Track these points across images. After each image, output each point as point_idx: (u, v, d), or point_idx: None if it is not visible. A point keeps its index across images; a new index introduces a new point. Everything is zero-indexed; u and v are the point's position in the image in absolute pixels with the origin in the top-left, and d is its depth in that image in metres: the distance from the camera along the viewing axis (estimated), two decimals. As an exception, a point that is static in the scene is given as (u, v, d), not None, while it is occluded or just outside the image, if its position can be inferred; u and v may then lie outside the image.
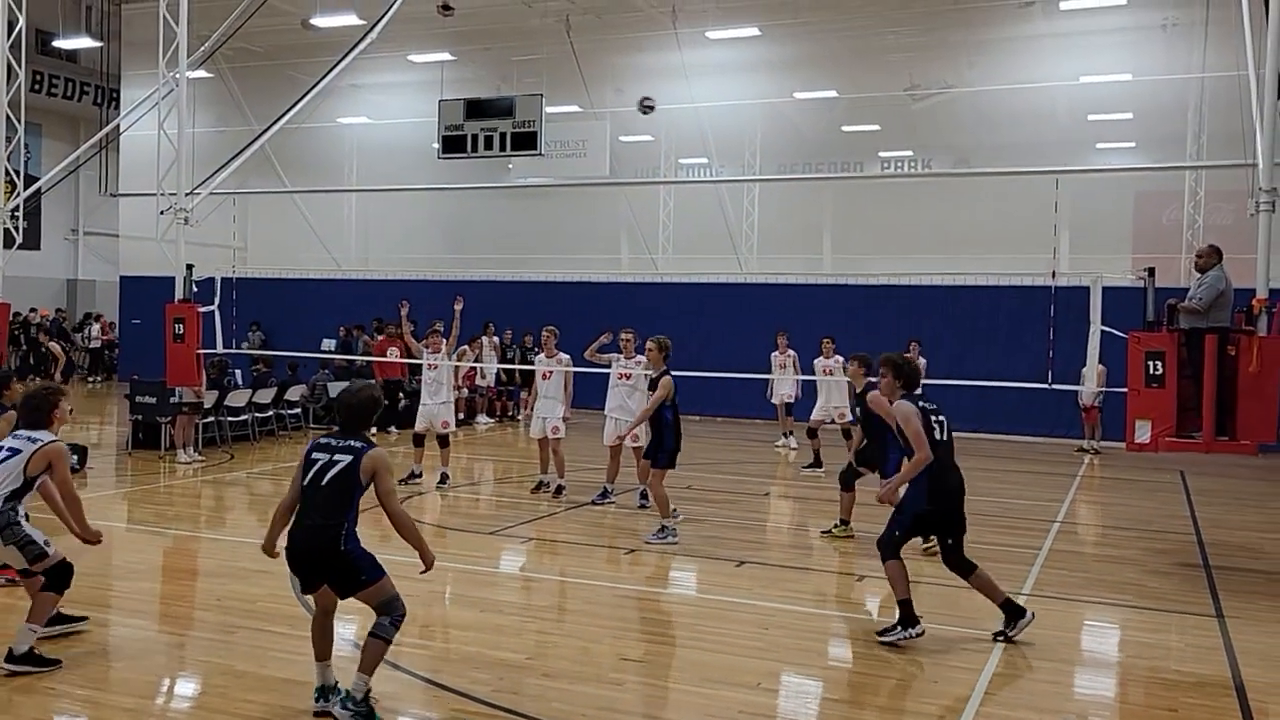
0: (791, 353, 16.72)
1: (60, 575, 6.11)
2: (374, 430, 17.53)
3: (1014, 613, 6.91)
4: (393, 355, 17.90)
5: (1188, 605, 8.03)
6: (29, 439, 6.14)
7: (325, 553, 5.37)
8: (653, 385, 10.06)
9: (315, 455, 5.49)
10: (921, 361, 15.15)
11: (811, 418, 14.93)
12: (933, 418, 6.84)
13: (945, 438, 6.89)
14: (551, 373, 12.01)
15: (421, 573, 5.57)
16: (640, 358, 11.62)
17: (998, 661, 6.50)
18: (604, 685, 5.99)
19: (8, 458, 6.09)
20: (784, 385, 16.77)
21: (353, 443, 5.47)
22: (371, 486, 5.42)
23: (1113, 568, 9.27)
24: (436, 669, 6.19)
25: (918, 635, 6.72)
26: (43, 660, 5.97)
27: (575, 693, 5.83)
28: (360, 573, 5.43)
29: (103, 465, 13.70)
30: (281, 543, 5.59)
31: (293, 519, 5.51)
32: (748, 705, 5.70)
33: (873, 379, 8.74)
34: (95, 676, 5.99)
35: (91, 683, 5.89)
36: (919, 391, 7.04)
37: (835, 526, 10.03)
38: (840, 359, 15.31)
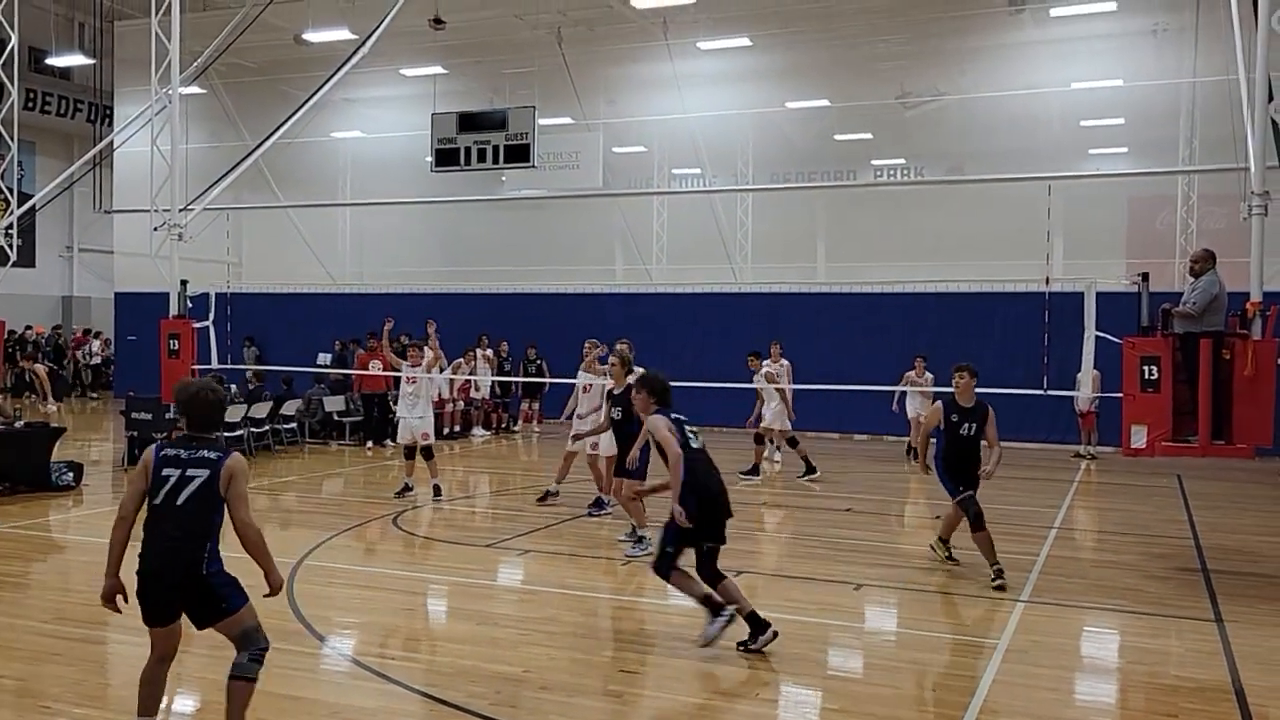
0: (785, 362, 16.41)
1: None
2: (369, 445, 17.63)
3: (758, 626, 6.78)
4: (374, 368, 17.88)
5: (1186, 610, 8.02)
6: None
7: (184, 577, 4.76)
8: (619, 401, 9.84)
9: (165, 471, 4.78)
10: (784, 364, 15.26)
11: (776, 427, 14.73)
12: (686, 428, 7.02)
13: (700, 447, 7.04)
14: (590, 386, 11.97)
15: (265, 595, 4.96)
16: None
17: (997, 669, 6.48)
18: (602, 698, 5.96)
19: None
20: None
21: (206, 453, 4.80)
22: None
23: (1111, 573, 9.26)
24: (432, 682, 6.16)
25: (728, 622, 6.68)
26: None
27: (573, 705, 5.80)
28: (221, 600, 4.82)
29: (99, 482, 13.66)
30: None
31: (144, 540, 4.79)
32: (747, 716, 5.67)
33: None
34: (92, 694, 5.96)
35: (89, 700, 5.86)
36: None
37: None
38: (786, 363, 15.38)
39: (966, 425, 9.06)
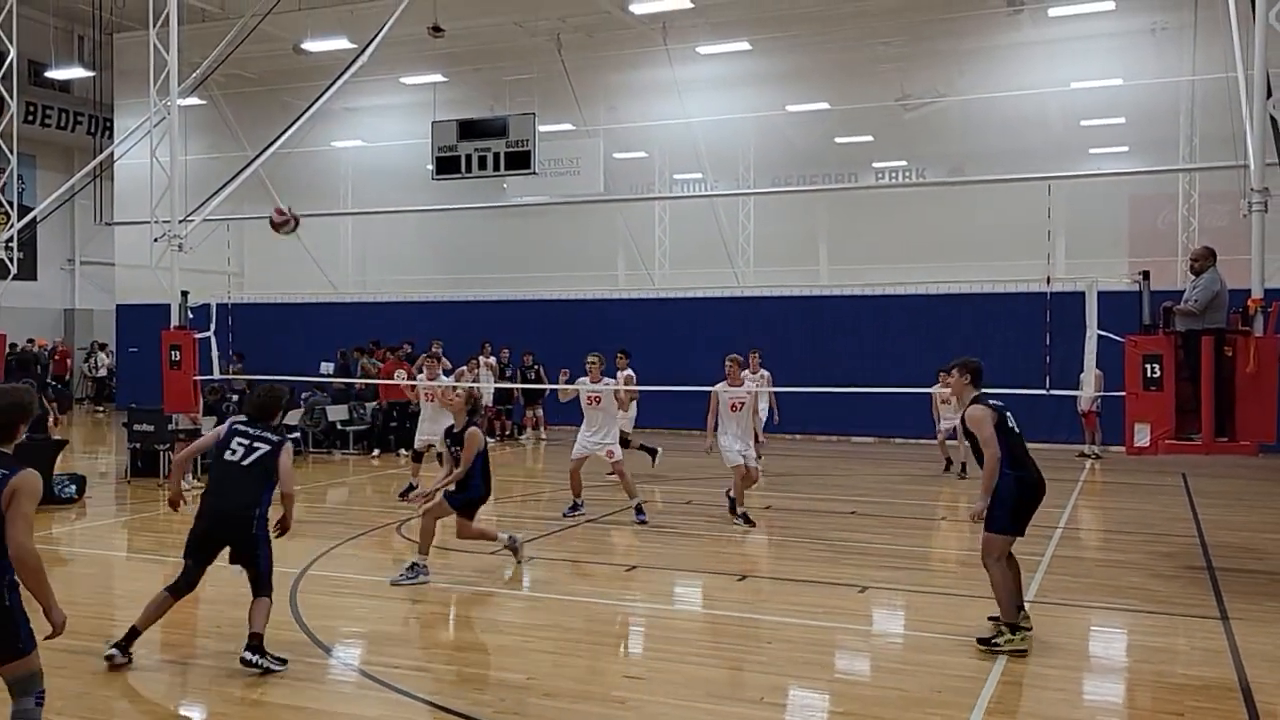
0: (764, 372, 15.63)
1: None
2: (375, 454, 17.65)
3: None
4: (399, 378, 17.91)
5: (1192, 608, 7.99)
6: None
7: None
8: (457, 440, 8.90)
9: None
10: (764, 374, 14.96)
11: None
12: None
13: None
14: (599, 397, 11.96)
15: (46, 637, 4.40)
16: (610, 380, 12.11)
17: (1002, 670, 6.46)
18: (607, 704, 5.95)
19: None
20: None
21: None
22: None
23: (1116, 572, 9.24)
24: (438, 690, 6.16)
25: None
26: None
27: (578, 712, 5.79)
28: (19, 640, 4.34)
29: (102, 494, 13.66)
30: None
31: None
32: (752, 720, 5.66)
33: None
34: (97, 707, 5.95)
35: (94, 713, 5.86)
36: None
37: None
38: (765, 374, 15.15)
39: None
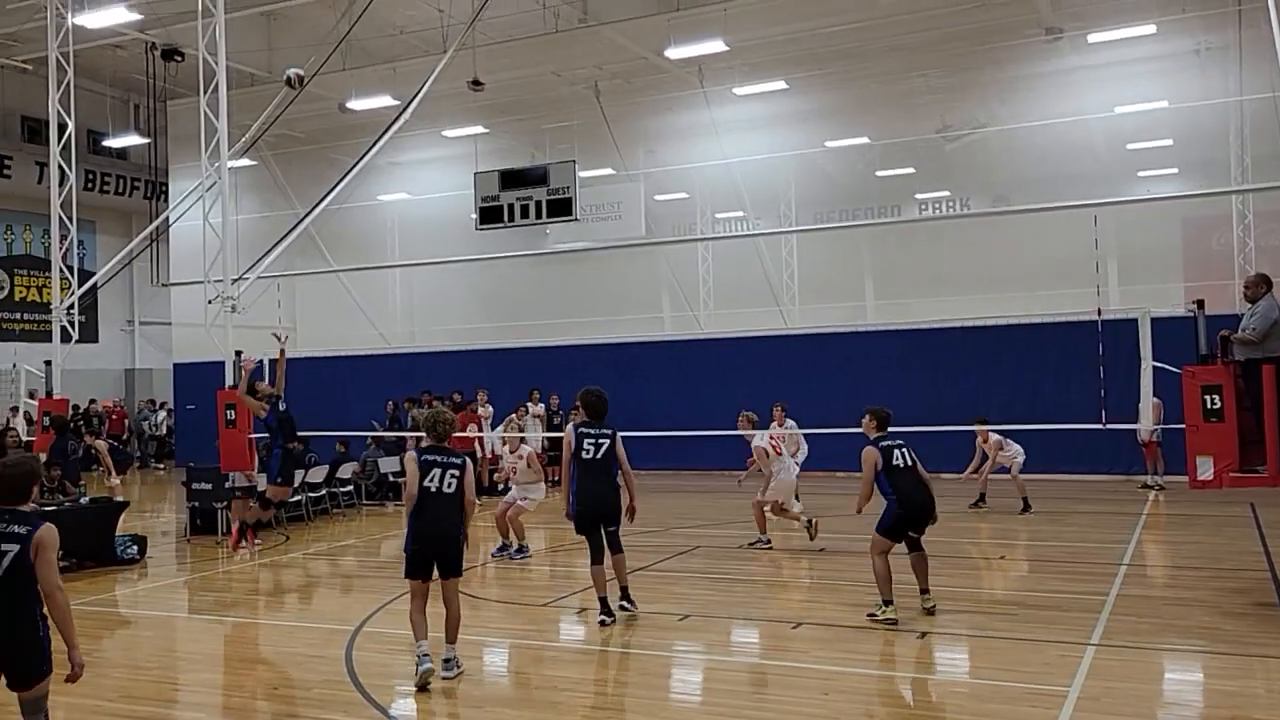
0: (791, 423, 14.98)
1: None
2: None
3: None
4: (471, 430, 18.06)
5: (1267, 648, 7.71)
6: None
7: (17, 644, 4.99)
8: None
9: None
10: (791, 424, 14.58)
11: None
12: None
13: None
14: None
15: (66, 679, 5.02)
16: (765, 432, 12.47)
17: (1069, 718, 6.27)
18: (663, 762, 5.86)
19: None
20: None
21: (16, 528, 4.99)
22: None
23: (1186, 611, 8.96)
24: (493, 752, 6.11)
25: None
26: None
27: (634, 772, 5.71)
28: (44, 664, 5.05)
29: (162, 553, 13.87)
30: None
31: None
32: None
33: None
34: (155, 775, 5.99)
35: (152, 781, 5.89)
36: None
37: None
38: (792, 424, 14.84)
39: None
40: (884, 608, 8.70)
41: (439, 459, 7.36)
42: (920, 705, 6.92)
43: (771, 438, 12.60)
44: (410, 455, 7.53)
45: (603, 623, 8.80)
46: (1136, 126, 20.65)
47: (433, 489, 7.27)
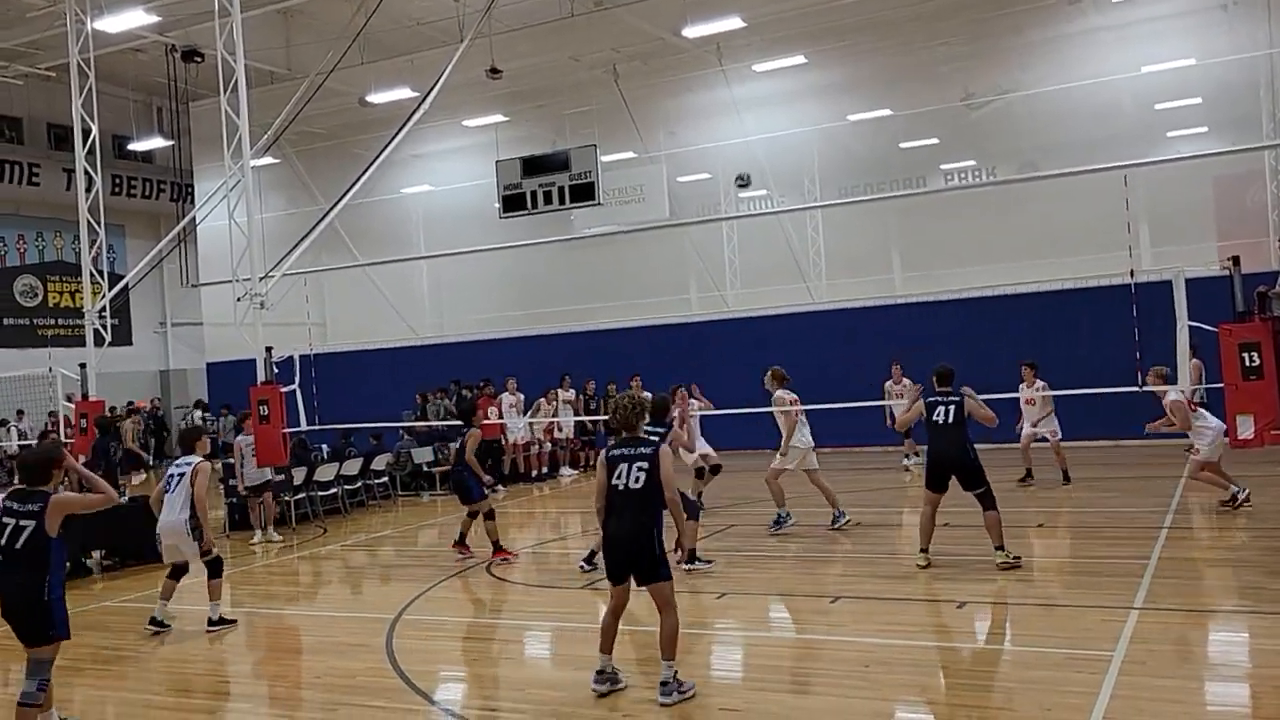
0: (907, 380, 15.61)
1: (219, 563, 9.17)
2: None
3: None
4: (491, 415, 18.11)
5: (1315, 606, 7.60)
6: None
7: (28, 605, 5.94)
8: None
9: (3, 519, 6.03)
10: (907, 382, 14.59)
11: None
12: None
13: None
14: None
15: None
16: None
17: (1114, 683, 6.20)
18: (706, 738, 5.87)
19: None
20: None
21: (32, 506, 5.98)
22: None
23: (1229, 571, 8.85)
24: (536, 733, 6.14)
25: None
26: (225, 621, 9.07)
27: (677, 748, 5.71)
28: (52, 626, 5.97)
29: (203, 549, 14.01)
30: None
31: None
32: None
33: None
34: (204, 764, 6.07)
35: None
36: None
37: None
38: (908, 381, 14.87)
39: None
40: (919, 554, 9.63)
41: (626, 451, 6.52)
42: (962, 674, 6.87)
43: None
44: (600, 457, 6.73)
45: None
46: (1164, 86, 20.25)
47: (620, 486, 6.45)
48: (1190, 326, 10.14)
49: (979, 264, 20.25)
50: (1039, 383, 14.32)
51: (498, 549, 11.49)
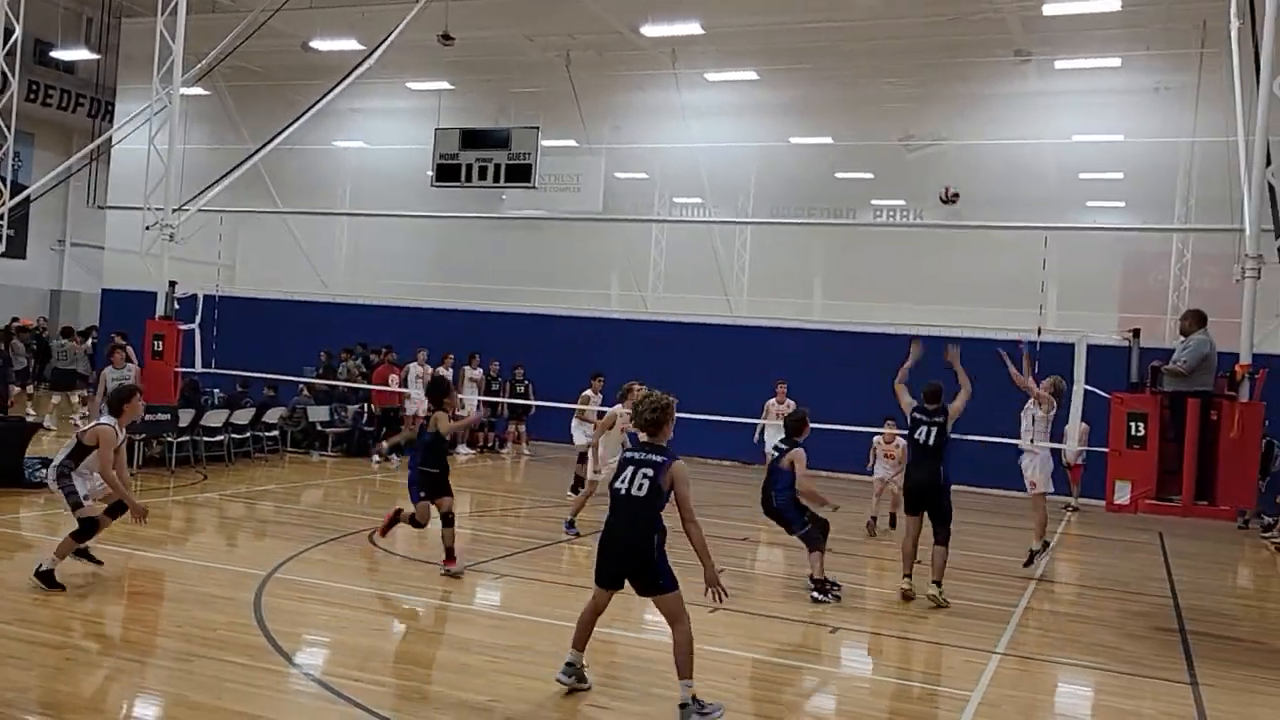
0: (790, 402, 15.79)
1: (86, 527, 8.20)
2: (376, 461, 17.49)
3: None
4: (391, 383, 17.81)
5: (1161, 670, 7.94)
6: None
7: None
8: None
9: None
10: (790, 403, 14.88)
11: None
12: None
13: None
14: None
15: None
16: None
17: (969, 723, 6.39)
18: (567, 732, 5.85)
19: None
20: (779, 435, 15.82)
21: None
22: None
23: (1088, 629, 9.18)
24: (397, 707, 6.05)
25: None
26: (53, 583, 7.97)
27: (537, 739, 5.69)
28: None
29: (74, 480, 13.46)
30: None
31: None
32: (713, 759, 5.56)
33: None
34: (48, 701, 5.82)
35: (44, 708, 5.72)
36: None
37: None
38: (792, 403, 15.09)
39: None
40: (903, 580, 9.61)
41: (638, 456, 6.16)
42: (824, 696, 7.00)
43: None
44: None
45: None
46: (1090, 157, 21.02)
47: (621, 490, 6.10)
48: (1085, 390, 10.52)
49: (895, 301, 20.68)
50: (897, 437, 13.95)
51: (450, 558, 9.72)
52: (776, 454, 9.85)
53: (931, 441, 9.69)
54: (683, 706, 5.84)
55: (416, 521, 9.71)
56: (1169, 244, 20.40)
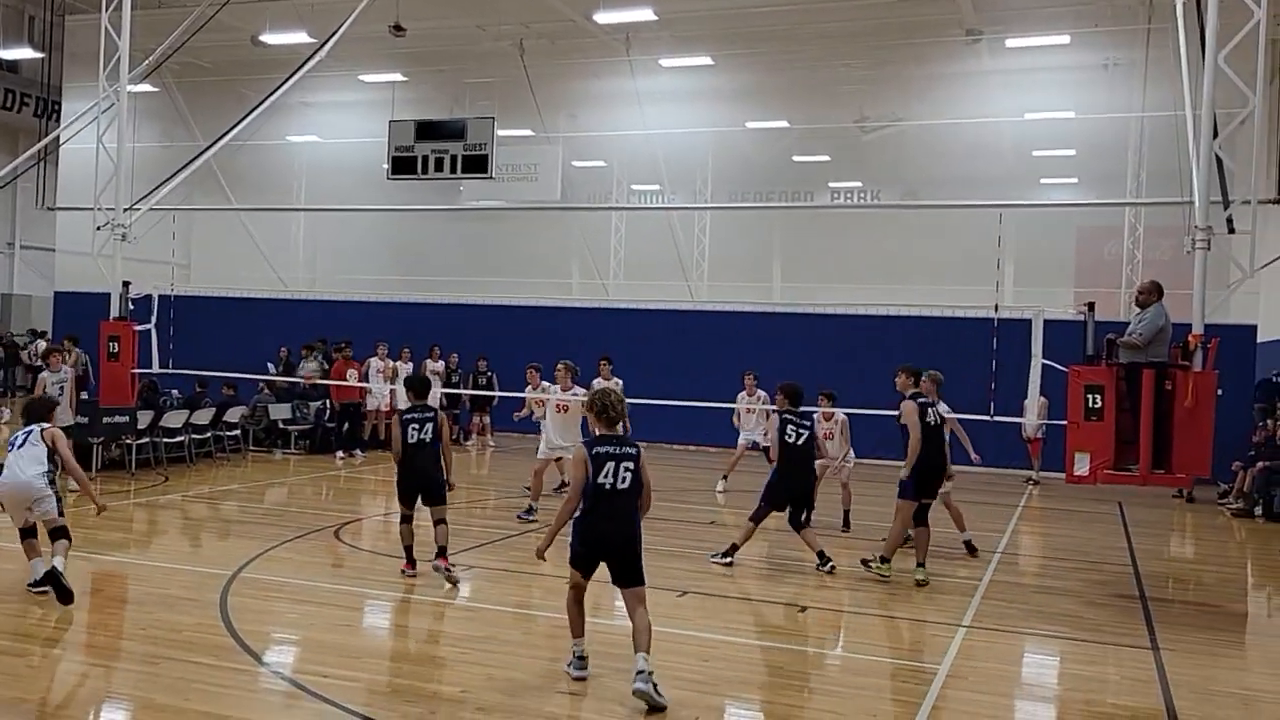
0: (761, 393, 15.45)
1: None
2: (340, 454, 17.43)
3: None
4: (351, 378, 17.68)
5: (1123, 637, 8.10)
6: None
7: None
8: None
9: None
10: (617, 381, 14.76)
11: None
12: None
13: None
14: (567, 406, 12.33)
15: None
16: (578, 390, 11.98)
17: (937, 695, 6.48)
18: None
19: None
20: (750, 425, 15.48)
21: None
22: None
23: (1051, 599, 9.34)
24: (368, 702, 6.03)
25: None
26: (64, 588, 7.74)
27: (510, 727, 5.69)
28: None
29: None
30: None
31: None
32: (686, 740, 5.60)
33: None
34: (10, 708, 5.74)
35: (6, 714, 5.64)
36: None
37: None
38: (763, 394, 15.11)
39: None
40: (881, 564, 9.66)
41: (611, 450, 6.26)
42: (795, 674, 7.06)
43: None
44: (580, 453, 6.32)
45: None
46: (1043, 134, 21.27)
47: (608, 486, 6.21)
48: (1043, 364, 10.66)
49: (854, 283, 20.83)
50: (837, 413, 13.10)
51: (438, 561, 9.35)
52: (803, 432, 10.01)
53: (938, 423, 9.85)
54: (640, 672, 6.06)
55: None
56: (1121, 218, 20.73)
